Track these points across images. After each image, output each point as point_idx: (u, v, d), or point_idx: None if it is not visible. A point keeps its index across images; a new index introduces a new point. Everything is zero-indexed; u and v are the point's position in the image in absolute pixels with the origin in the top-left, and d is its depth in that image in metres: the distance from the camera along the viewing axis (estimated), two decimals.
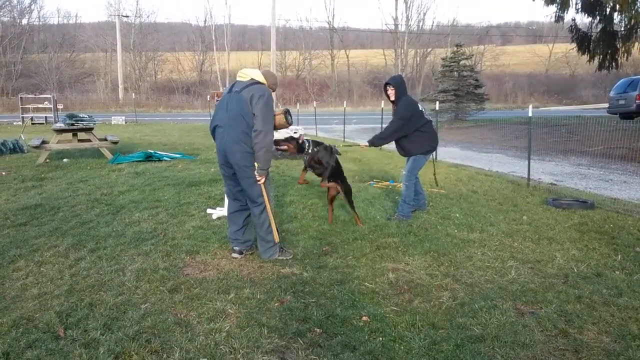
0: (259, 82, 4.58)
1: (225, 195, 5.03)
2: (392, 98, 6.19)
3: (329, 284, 4.16)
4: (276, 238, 4.72)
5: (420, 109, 6.26)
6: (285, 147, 5.54)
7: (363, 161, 11.78)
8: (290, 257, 4.80)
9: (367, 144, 6.39)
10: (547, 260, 4.82)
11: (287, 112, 4.92)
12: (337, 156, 5.88)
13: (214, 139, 4.71)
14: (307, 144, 5.68)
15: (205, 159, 11.67)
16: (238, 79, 4.68)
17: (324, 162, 5.70)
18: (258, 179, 4.53)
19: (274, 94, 4.85)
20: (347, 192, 5.96)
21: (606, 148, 12.16)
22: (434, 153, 6.97)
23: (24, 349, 3.09)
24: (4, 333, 3.28)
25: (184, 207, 6.85)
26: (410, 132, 6.16)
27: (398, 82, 6.20)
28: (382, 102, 16.76)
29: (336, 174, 5.86)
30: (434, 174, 7.40)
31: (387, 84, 6.25)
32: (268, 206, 4.67)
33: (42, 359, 2.98)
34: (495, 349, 3.15)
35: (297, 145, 5.60)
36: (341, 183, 5.93)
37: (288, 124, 4.88)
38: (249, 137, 4.45)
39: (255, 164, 4.49)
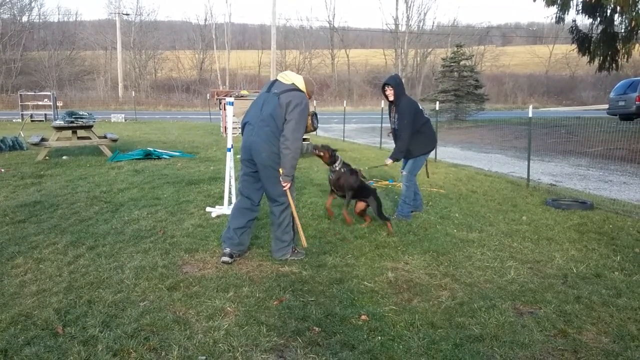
0: (299, 90, 4.53)
1: (238, 191, 4.92)
2: (391, 98, 6.16)
3: (328, 283, 4.16)
4: (304, 243, 4.75)
5: (420, 107, 6.27)
6: (321, 153, 5.59)
7: (362, 160, 11.77)
8: (303, 257, 4.75)
9: (391, 161, 6.34)
10: (546, 260, 4.82)
11: (314, 116, 4.90)
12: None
13: (242, 134, 4.68)
14: (338, 160, 5.65)
15: (205, 158, 11.67)
16: (279, 79, 4.63)
17: (347, 187, 5.64)
18: (283, 184, 4.50)
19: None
20: (378, 206, 5.79)
21: (606, 149, 12.17)
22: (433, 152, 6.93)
23: (23, 345, 3.08)
24: (2, 330, 3.28)
25: (183, 205, 6.84)
26: (412, 132, 6.15)
27: (397, 82, 6.17)
28: (382, 102, 16.74)
29: (363, 192, 5.77)
30: (426, 168, 7.19)
31: (386, 84, 6.21)
32: (294, 210, 4.69)
33: (40, 356, 2.97)
34: (494, 349, 3.15)
35: (330, 156, 5.60)
36: (371, 199, 5.79)
37: (313, 127, 4.87)
38: (277, 138, 4.40)
39: (280, 169, 4.45)
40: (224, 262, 4.59)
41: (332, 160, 5.62)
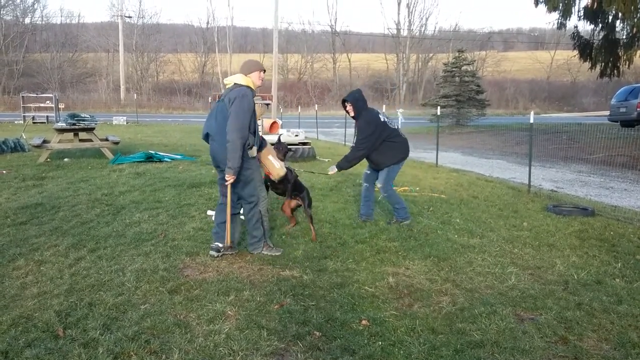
0: (240, 85, 4.72)
1: (219, 192, 5.16)
2: (352, 114, 6.07)
3: (329, 287, 4.16)
4: (227, 240, 4.91)
5: (383, 119, 6.09)
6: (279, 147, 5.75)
7: (363, 165, 11.75)
8: (278, 253, 4.96)
9: (335, 170, 6.21)
10: (547, 266, 4.81)
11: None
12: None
13: (208, 143, 4.99)
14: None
15: (206, 161, 11.66)
16: (226, 86, 4.88)
17: (284, 185, 5.69)
18: (227, 178, 4.63)
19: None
20: (309, 204, 5.83)
21: (607, 156, 12.17)
22: (413, 157, 6.71)
23: (23, 347, 3.09)
24: (3, 332, 3.28)
25: (184, 208, 6.85)
26: (378, 145, 6.02)
27: (356, 98, 6.03)
28: (384, 106, 16.77)
29: (297, 189, 5.79)
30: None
31: (344, 100, 6.12)
32: (228, 208, 4.83)
33: (41, 358, 2.97)
34: (494, 355, 3.14)
35: (283, 152, 5.74)
36: (302, 197, 5.81)
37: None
38: None
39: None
40: (211, 256, 4.83)
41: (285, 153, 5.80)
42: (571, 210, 6.99)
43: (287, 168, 5.68)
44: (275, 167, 5.38)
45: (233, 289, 4.07)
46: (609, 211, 7.18)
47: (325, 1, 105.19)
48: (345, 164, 6.15)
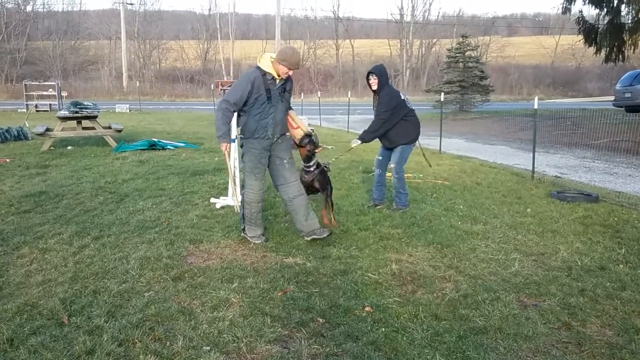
0: (256, 67, 4.80)
1: None
2: (375, 87, 6.14)
3: (332, 274, 4.17)
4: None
5: (403, 97, 6.21)
6: (306, 147, 5.05)
7: (367, 152, 11.74)
8: (247, 237, 4.96)
9: (359, 142, 6.30)
10: (550, 253, 4.81)
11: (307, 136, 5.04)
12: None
13: None
14: (314, 159, 5.15)
15: (209, 148, 11.66)
16: None
17: (323, 187, 5.28)
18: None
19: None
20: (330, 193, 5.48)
21: (611, 141, 12.11)
22: (419, 141, 6.55)
23: (28, 335, 3.11)
24: (9, 319, 3.30)
25: (187, 196, 6.85)
26: (396, 122, 6.10)
27: (381, 72, 6.13)
28: None
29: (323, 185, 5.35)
30: (424, 156, 7.18)
31: (370, 72, 6.18)
32: (230, 177, 5.06)
33: (46, 345, 2.99)
34: (497, 341, 3.15)
35: (309, 152, 5.09)
36: (327, 192, 5.41)
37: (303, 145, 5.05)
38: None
39: None
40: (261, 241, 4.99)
41: (309, 157, 5.11)
42: (575, 196, 6.97)
43: (323, 170, 5.27)
44: (305, 124, 5.20)
45: (237, 276, 4.08)
46: (613, 197, 7.15)
47: None
48: (367, 135, 6.23)
